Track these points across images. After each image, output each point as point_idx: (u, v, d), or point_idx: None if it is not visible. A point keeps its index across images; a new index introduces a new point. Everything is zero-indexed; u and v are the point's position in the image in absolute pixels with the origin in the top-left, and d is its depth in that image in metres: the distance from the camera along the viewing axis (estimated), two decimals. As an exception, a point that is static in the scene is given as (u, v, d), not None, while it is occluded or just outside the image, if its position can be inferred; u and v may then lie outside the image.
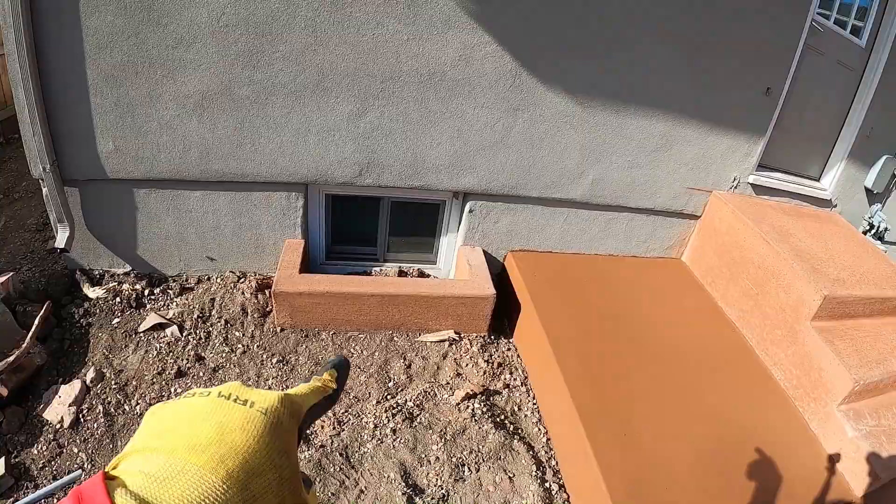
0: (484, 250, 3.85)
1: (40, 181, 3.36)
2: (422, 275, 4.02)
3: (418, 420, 2.98)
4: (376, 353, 3.36)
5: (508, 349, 3.53)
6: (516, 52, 3.24)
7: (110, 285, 3.72)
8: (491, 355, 3.42)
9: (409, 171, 3.51)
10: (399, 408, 3.02)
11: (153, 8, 2.92)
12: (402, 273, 3.98)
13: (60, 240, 3.52)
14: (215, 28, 2.99)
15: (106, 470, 0.45)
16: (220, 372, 3.21)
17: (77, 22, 2.92)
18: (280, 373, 3.21)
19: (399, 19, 3.06)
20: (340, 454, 2.78)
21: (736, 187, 4.01)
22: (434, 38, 3.13)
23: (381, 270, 4.00)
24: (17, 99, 3.10)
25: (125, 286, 3.72)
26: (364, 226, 3.96)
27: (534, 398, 3.21)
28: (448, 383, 3.20)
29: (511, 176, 3.60)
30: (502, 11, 3.13)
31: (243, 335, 3.44)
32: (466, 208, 3.75)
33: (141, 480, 0.42)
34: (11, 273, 3.63)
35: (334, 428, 2.91)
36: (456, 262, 3.97)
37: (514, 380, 3.31)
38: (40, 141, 3.19)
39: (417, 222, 3.97)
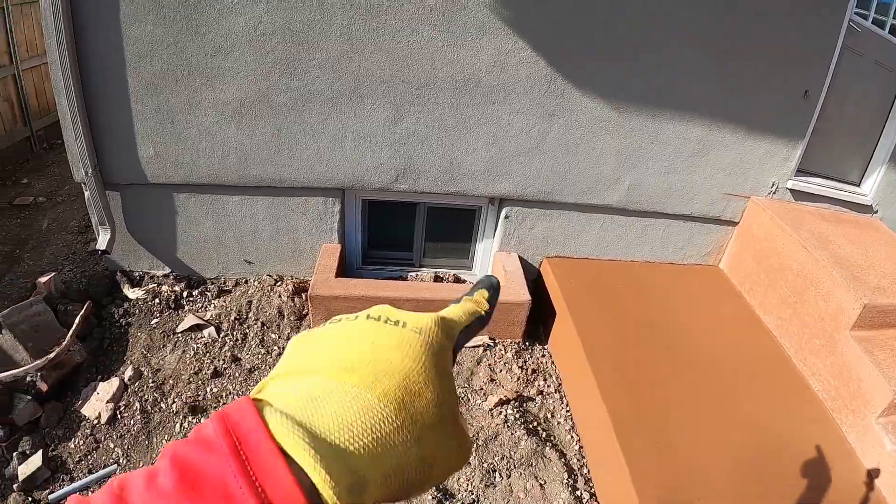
0: (520, 256, 3.86)
1: (82, 185, 3.46)
2: (458, 280, 4.04)
3: (451, 424, 3.00)
4: (409, 358, 3.38)
5: (543, 356, 3.53)
6: (550, 56, 3.24)
7: (150, 287, 3.82)
8: (525, 361, 3.43)
9: (444, 176, 3.53)
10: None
11: (192, 18, 2.99)
12: (437, 278, 4.00)
13: (102, 242, 3.62)
14: (252, 37, 3.05)
15: (251, 395, 0.42)
16: (256, 373, 3.27)
17: (118, 31, 3.01)
18: (315, 376, 3.25)
19: (433, 26, 3.09)
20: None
21: (774, 193, 3.96)
22: (468, 44, 3.15)
23: (417, 276, 4.03)
24: (59, 106, 3.19)
25: (164, 288, 3.81)
26: (400, 231, 3.99)
27: (567, 405, 3.21)
28: (481, 388, 3.21)
29: (547, 182, 3.60)
30: (533, 16, 3.13)
31: (279, 337, 3.50)
32: (502, 214, 3.76)
33: (292, 400, 0.40)
34: (53, 273, 3.75)
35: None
36: (492, 268, 3.97)
37: (548, 386, 3.31)
38: (82, 146, 3.28)
39: (453, 228, 3.99)
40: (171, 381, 3.22)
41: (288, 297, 3.70)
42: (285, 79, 3.17)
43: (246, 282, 3.91)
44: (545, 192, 3.64)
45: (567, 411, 3.18)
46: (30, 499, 2.66)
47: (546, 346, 3.62)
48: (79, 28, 3.00)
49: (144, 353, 3.41)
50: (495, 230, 3.89)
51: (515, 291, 3.47)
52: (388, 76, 3.20)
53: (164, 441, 2.89)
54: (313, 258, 3.77)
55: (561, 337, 3.46)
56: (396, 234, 4.02)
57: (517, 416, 3.05)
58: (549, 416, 3.14)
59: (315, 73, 3.17)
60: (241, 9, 2.99)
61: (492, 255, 3.98)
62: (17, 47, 5.69)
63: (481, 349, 3.45)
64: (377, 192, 3.66)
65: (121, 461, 2.81)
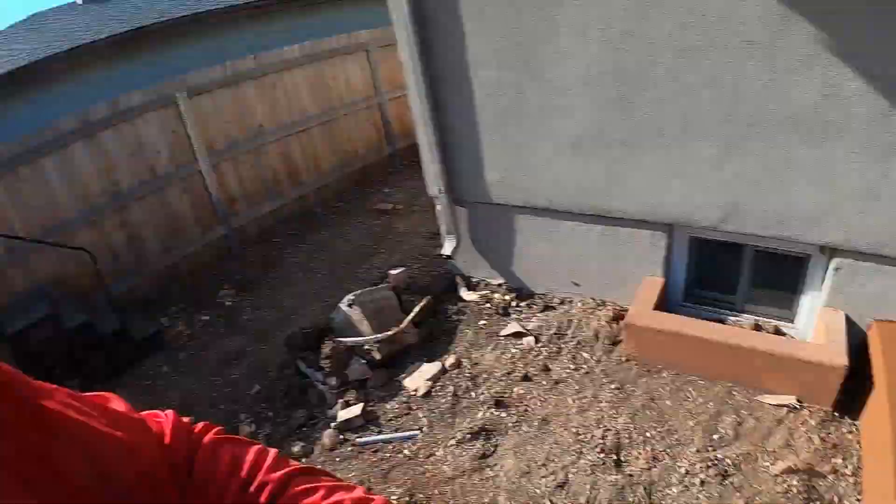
0: (846, 315, 4.01)
1: (435, 199, 4.99)
2: (778, 332, 4.33)
3: (730, 479, 3.47)
4: (710, 403, 3.97)
5: (850, 431, 3.69)
6: (886, 86, 3.34)
7: (484, 292, 5.21)
8: (829, 433, 3.66)
9: (771, 219, 3.93)
10: (716, 462, 3.56)
11: (531, 62, 4.13)
12: (757, 327, 4.36)
13: (447, 248, 5.16)
14: (585, 78, 4.03)
15: None
16: (561, 385, 4.29)
17: (467, 74, 4.33)
18: (614, 398, 4.10)
19: (757, 61, 3.55)
20: (644, 488, 3.51)
21: None
22: (794, 78, 3.49)
23: (735, 321, 4.47)
24: (419, 133, 4.77)
25: (496, 296, 5.15)
26: (724, 272, 4.52)
27: (859, 494, 3.33)
28: (773, 451, 3.60)
29: (884, 232, 3.69)
30: (868, 40, 3.30)
31: (590, 357, 4.47)
32: (831, 265, 4.00)
33: None
34: (403, 269, 5.42)
35: (647, 462, 3.65)
36: (815, 324, 4.17)
37: (845, 467, 3.47)
38: (437, 168, 4.79)
39: (779, 275, 4.31)
40: (484, 376, 4.47)
41: (606, 321, 4.65)
42: (616, 116, 4.07)
43: (570, 301, 5.00)
44: (881, 245, 3.71)
45: (857, 501, 3.32)
46: (342, 437, 4.21)
47: (856, 422, 3.75)
48: (434, 71, 4.43)
49: (468, 347, 4.76)
50: (822, 283, 4.14)
51: (832, 353, 3.68)
52: (714, 114, 3.79)
53: (465, 423, 4.08)
54: (635, 288, 4.58)
55: (874, 416, 3.53)
56: (719, 274, 4.55)
57: (801, 490, 3.33)
58: (835, 500, 3.33)
59: (643, 111, 3.98)
60: (573, 52, 3.99)
61: (816, 310, 4.17)
62: (380, 81, 8.80)
63: (785, 409, 3.84)
64: (702, 230, 4.30)
65: (423, 429, 4.13)
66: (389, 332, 4.74)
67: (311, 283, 6.25)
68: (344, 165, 8.79)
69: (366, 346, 4.74)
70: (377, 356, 4.71)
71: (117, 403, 0.89)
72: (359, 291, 5.06)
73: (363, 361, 4.70)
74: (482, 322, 4.97)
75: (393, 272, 5.51)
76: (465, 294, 5.27)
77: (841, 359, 3.71)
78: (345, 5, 12.81)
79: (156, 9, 12.44)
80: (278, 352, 5.34)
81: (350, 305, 4.93)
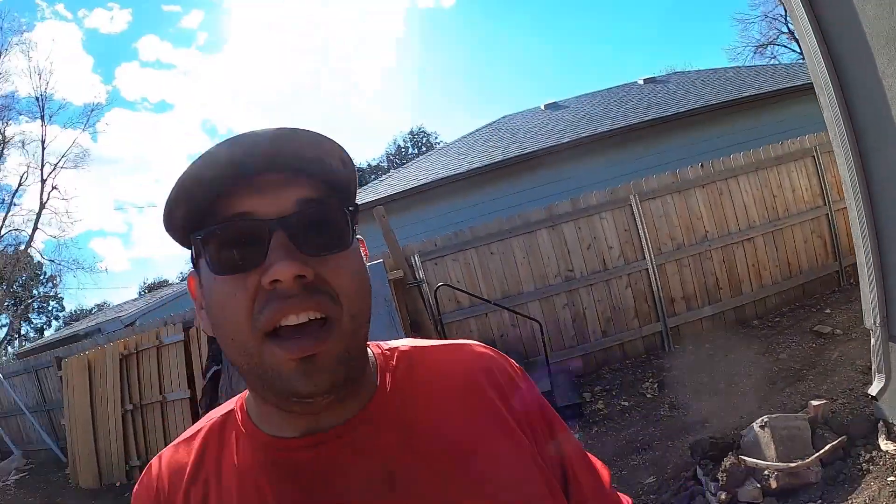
0: None
1: (870, 331, 4.87)
2: None
3: None
4: None
5: None
6: None
7: (903, 446, 4.92)
8: None
9: None
10: None
11: None
12: None
13: (874, 388, 4.98)
14: None
15: None
16: None
17: None
18: None
19: None
20: None
21: None
22: None
23: None
24: (857, 258, 4.79)
25: (913, 451, 4.84)
26: None
27: None
28: None
29: None
30: None
31: None
32: None
33: None
34: (825, 402, 5.34)
35: None
36: None
37: None
38: (874, 298, 4.75)
39: None
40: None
41: None
42: None
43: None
44: None
45: None
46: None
47: None
48: (871, 191, 4.46)
49: (867, 501, 4.56)
50: None
51: None
52: None
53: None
54: None
55: None
56: None
57: None
58: None
59: None
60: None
61: None
62: (828, 190, 8.18)
63: None
64: None
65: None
66: (793, 465, 4.74)
67: (731, 395, 6.38)
68: (785, 279, 8.77)
69: (765, 472, 4.80)
70: (773, 484, 4.73)
71: (604, 473, 1.14)
72: (775, 415, 5.13)
73: (757, 485, 4.76)
74: (891, 478, 4.66)
75: (814, 403, 5.41)
76: (883, 443, 4.97)
77: None
78: (789, 105, 12.80)
79: (608, 115, 14.15)
80: (681, 453, 5.59)
81: (762, 427, 5.04)
